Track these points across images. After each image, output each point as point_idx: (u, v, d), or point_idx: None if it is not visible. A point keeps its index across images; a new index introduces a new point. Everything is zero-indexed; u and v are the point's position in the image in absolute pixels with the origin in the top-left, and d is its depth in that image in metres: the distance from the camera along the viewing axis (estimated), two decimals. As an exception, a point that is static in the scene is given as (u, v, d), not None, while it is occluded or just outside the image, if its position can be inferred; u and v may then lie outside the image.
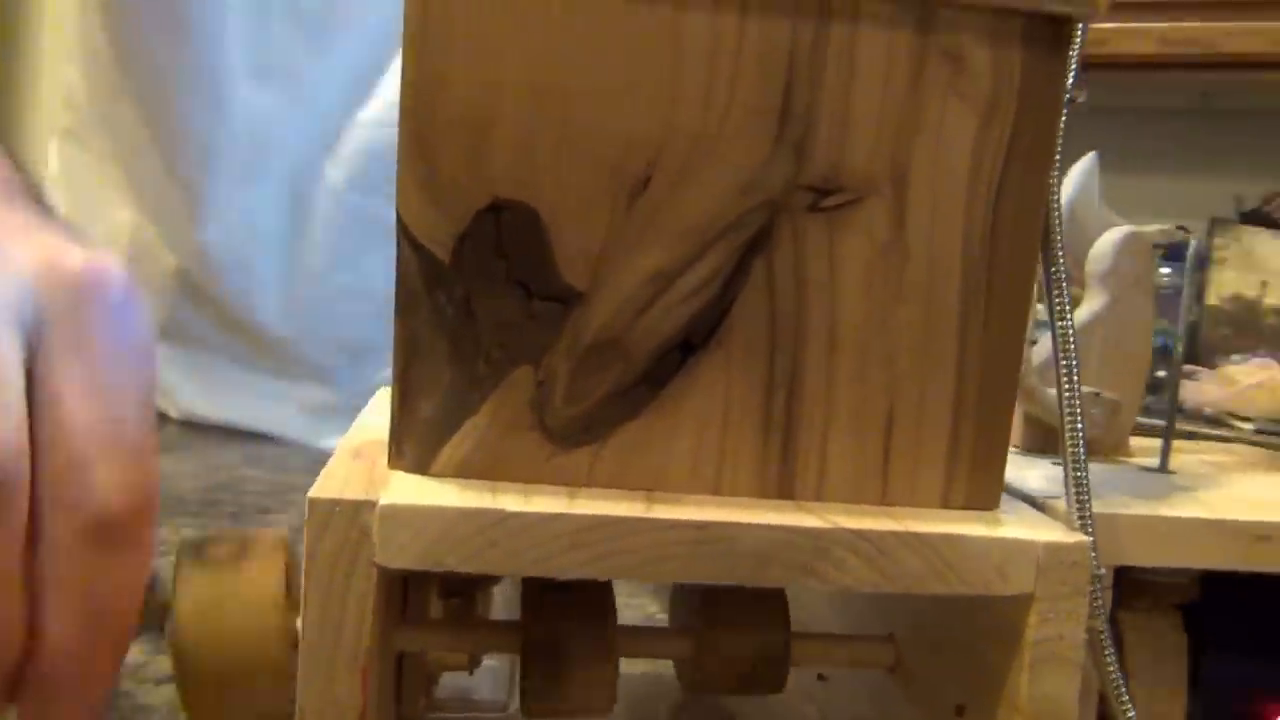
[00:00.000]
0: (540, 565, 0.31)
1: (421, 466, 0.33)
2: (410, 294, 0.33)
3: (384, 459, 0.34)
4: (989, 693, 0.34)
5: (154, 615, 0.34)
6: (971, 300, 0.34)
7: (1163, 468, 0.41)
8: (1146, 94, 1.56)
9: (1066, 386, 0.34)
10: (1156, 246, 0.41)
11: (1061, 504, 0.35)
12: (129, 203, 1.04)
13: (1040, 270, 0.34)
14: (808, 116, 0.32)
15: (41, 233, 0.34)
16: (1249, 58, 1.54)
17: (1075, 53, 0.33)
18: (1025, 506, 0.35)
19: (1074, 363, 0.34)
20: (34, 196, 0.39)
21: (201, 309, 1.05)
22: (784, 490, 0.34)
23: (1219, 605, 0.39)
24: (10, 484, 0.30)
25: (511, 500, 0.31)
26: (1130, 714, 0.33)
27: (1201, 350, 1.19)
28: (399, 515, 0.30)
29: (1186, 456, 0.44)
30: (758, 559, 0.31)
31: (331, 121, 1.03)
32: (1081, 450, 0.34)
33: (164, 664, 0.35)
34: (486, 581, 0.43)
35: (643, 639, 0.40)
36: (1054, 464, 0.41)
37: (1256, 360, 1.18)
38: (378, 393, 0.46)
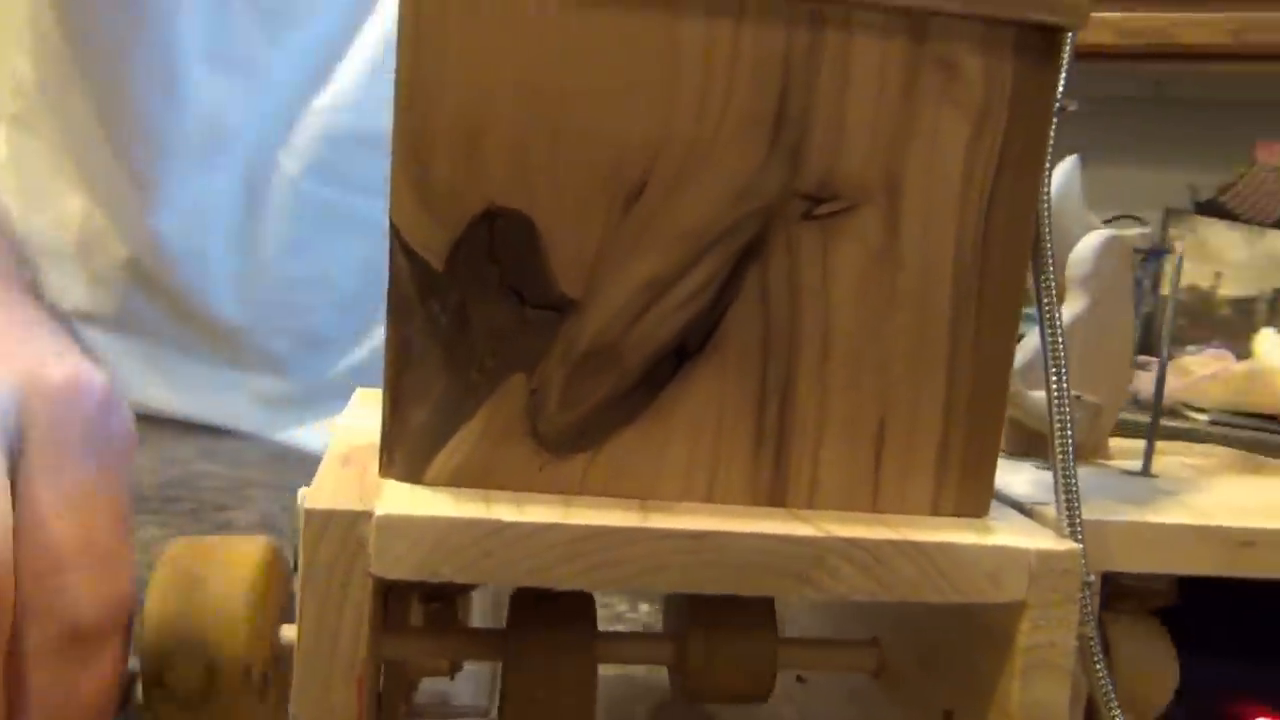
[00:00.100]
0: (536, 575, 0.31)
1: (414, 475, 0.33)
2: (403, 301, 0.32)
3: (374, 466, 0.33)
4: (978, 698, 0.34)
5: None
6: (963, 307, 0.34)
7: (1145, 471, 0.42)
8: (1101, 84, 1.58)
9: (1056, 395, 0.34)
10: (1137, 251, 0.42)
11: (1049, 510, 0.35)
12: (80, 190, 1.02)
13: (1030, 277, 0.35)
14: (802, 123, 0.32)
15: (27, 344, 0.36)
16: (1203, 48, 1.55)
17: (1065, 62, 0.34)
18: (1014, 513, 0.36)
19: (1064, 371, 0.34)
20: (34, 293, 0.40)
21: (154, 299, 1.03)
22: (776, 498, 0.34)
23: (1200, 608, 0.39)
24: None
25: (506, 510, 0.31)
26: None
27: (1155, 340, 1.21)
28: (395, 526, 0.30)
29: (1165, 459, 0.44)
30: (754, 569, 0.31)
31: (287, 108, 1.02)
32: (1071, 457, 0.34)
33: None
34: (468, 586, 0.42)
35: (627, 645, 0.40)
36: (1038, 468, 0.41)
37: (1211, 351, 1.19)
38: (355, 394, 0.46)
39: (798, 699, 0.47)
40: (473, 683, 0.47)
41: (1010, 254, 0.34)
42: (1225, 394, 1.12)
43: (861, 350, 0.33)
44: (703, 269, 0.33)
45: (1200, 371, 1.09)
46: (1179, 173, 1.68)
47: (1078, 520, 0.33)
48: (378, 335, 1.06)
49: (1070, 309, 0.42)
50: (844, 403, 0.34)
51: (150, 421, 1.00)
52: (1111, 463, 0.44)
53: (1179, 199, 1.69)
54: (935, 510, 0.34)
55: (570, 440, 0.33)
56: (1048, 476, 0.39)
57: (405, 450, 0.33)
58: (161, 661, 0.33)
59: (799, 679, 0.47)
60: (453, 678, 0.43)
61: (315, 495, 0.31)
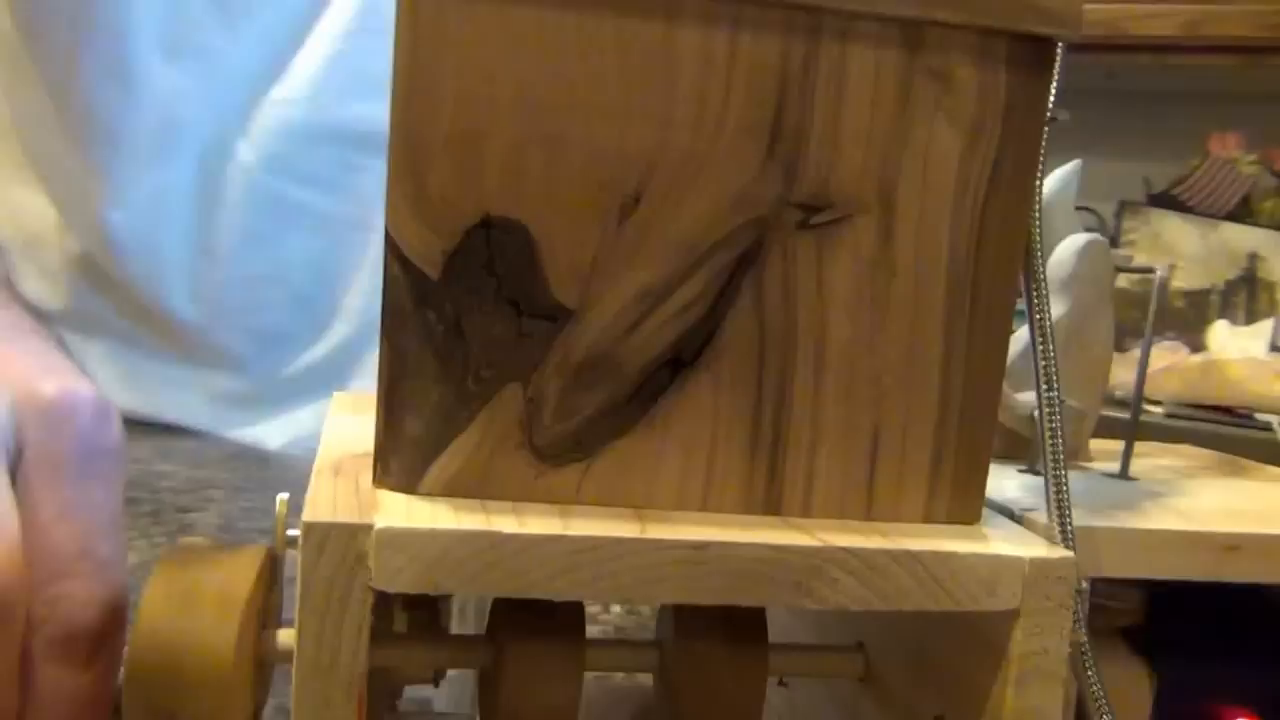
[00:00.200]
0: (538, 587, 0.30)
1: (409, 485, 0.33)
2: (397, 311, 0.32)
3: (367, 476, 0.33)
4: (970, 705, 0.34)
5: None
6: (956, 316, 0.34)
7: (1124, 474, 0.42)
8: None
9: (1047, 403, 0.34)
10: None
11: (1039, 516, 0.35)
12: (30, 182, 1.00)
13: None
14: (798, 134, 0.32)
15: (18, 359, 0.38)
16: (1156, 40, 1.57)
17: (1057, 73, 0.34)
18: (1005, 520, 0.36)
19: (1055, 380, 0.34)
20: (8, 289, 0.42)
21: (107, 294, 1.01)
22: (770, 507, 0.34)
23: (1172, 612, 0.40)
24: (12, 598, 0.32)
25: (507, 522, 0.31)
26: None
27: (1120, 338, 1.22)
28: (396, 539, 0.30)
29: (1141, 460, 0.44)
30: (753, 579, 0.31)
31: (244, 100, 1.01)
32: (1063, 465, 0.34)
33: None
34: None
35: (614, 652, 0.40)
36: (1021, 471, 0.41)
37: (1165, 343, 1.21)
38: (334, 398, 0.46)
39: (779, 706, 0.47)
40: (453, 688, 0.47)
41: (1003, 262, 0.34)
42: (1179, 387, 1.14)
43: (856, 359, 0.34)
44: (698, 279, 0.33)
45: (1155, 364, 1.10)
46: (1133, 165, 1.69)
47: (1069, 527, 0.34)
48: (336, 332, 1.05)
49: (1051, 311, 0.42)
50: (839, 411, 0.34)
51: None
52: (1092, 465, 0.44)
53: (1133, 191, 1.71)
54: (928, 518, 0.35)
55: (566, 450, 0.33)
56: (1033, 481, 0.39)
57: (400, 460, 0.33)
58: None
59: (781, 682, 0.47)
60: (437, 684, 0.42)
61: (313, 508, 0.30)
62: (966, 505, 0.35)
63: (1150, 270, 0.45)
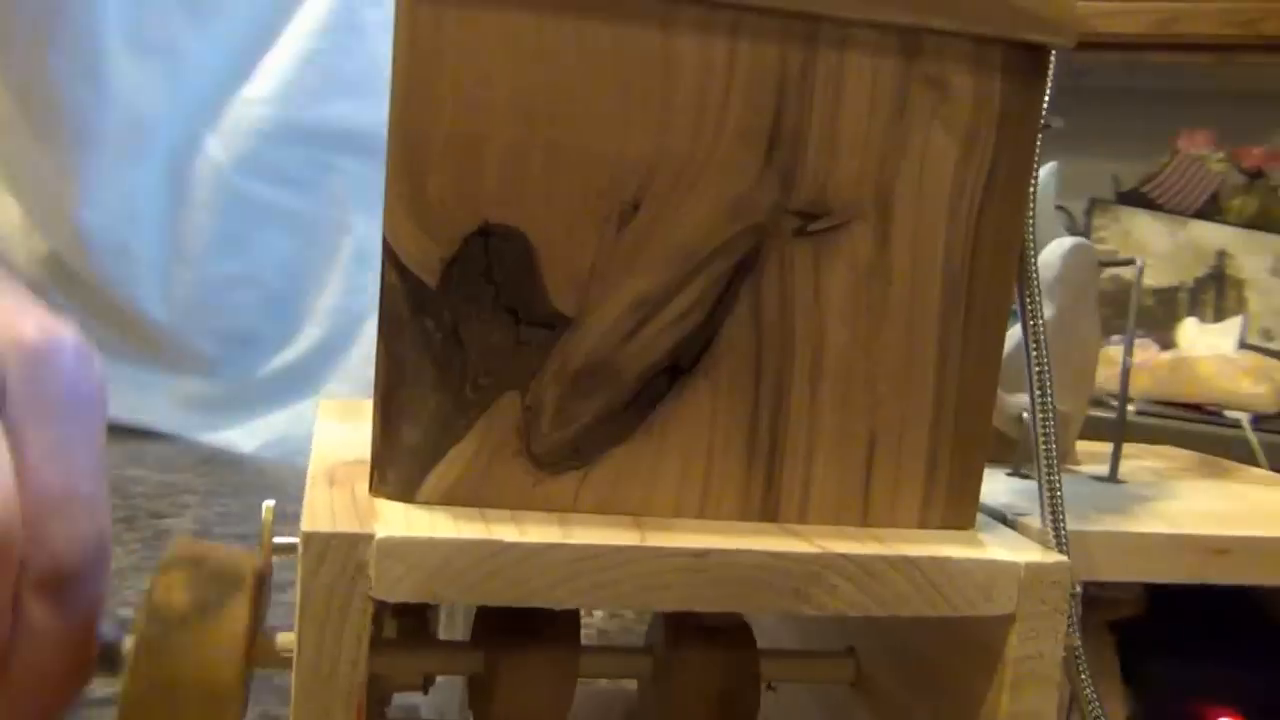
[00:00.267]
0: (538, 595, 0.30)
1: (406, 494, 0.32)
2: (395, 319, 0.32)
3: (363, 484, 0.33)
4: (963, 709, 0.35)
5: (106, 663, 0.35)
6: (951, 323, 0.34)
7: (1112, 477, 0.43)
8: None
9: (1040, 409, 0.35)
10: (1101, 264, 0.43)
11: (1031, 520, 0.35)
12: (-1, 183, 0.99)
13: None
14: (796, 141, 0.32)
15: None
16: (1125, 38, 1.58)
17: (1050, 80, 0.34)
18: (998, 525, 0.36)
19: (1048, 386, 0.35)
20: None
21: (76, 295, 1.00)
22: (767, 514, 0.34)
23: (1156, 613, 0.40)
24: (10, 538, 0.32)
25: (507, 530, 0.31)
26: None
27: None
28: (397, 548, 0.29)
29: (1126, 462, 0.45)
30: (752, 585, 0.31)
31: (213, 98, 1.00)
32: (1056, 470, 0.34)
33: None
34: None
35: (605, 659, 0.40)
36: (1009, 474, 0.41)
37: (1136, 341, 1.21)
38: (320, 406, 0.45)
39: (768, 711, 0.47)
40: (439, 695, 0.47)
41: (997, 269, 0.34)
42: (1149, 384, 1.15)
43: (852, 366, 0.34)
44: (696, 286, 0.33)
45: (1123, 363, 1.12)
46: (1102, 162, 1.70)
47: (1063, 532, 0.34)
48: (308, 335, 1.05)
49: (1041, 317, 0.42)
50: (835, 417, 0.34)
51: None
52: (1079, 468, 0.45)
53: (1102, 189, 1.72)
54: (923, 523, 0.35)
55: (563, 458, 0.33)
56: (1022, 484, 0.40)
57: (397, 469, 0.33)
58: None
59: (769, 686, 0.47)
60: (426, 691, 0.42)
61: (312, 518, 0.30)
62: (961, 511, 0.35)
63: (1132, 262, 0.45)
